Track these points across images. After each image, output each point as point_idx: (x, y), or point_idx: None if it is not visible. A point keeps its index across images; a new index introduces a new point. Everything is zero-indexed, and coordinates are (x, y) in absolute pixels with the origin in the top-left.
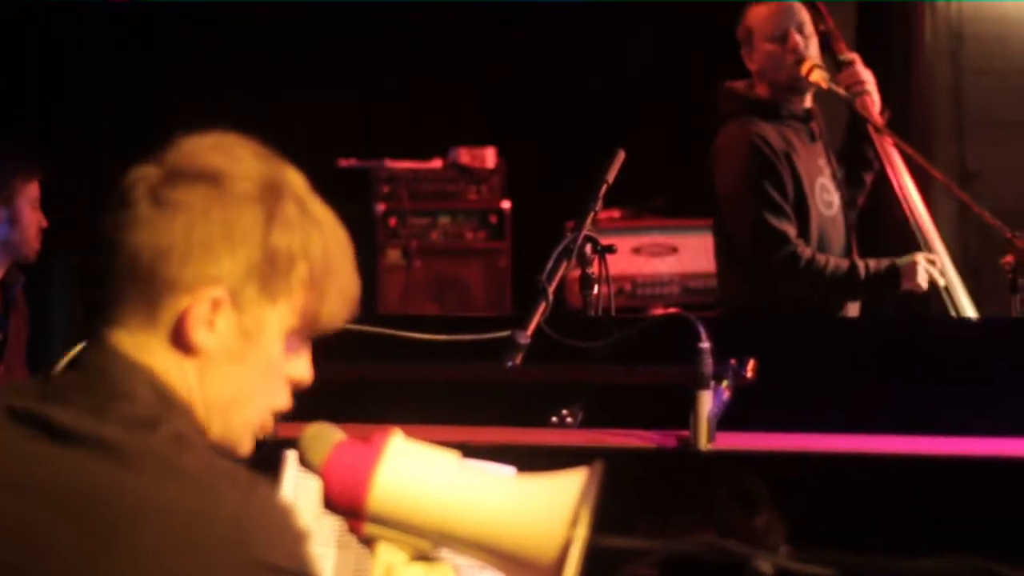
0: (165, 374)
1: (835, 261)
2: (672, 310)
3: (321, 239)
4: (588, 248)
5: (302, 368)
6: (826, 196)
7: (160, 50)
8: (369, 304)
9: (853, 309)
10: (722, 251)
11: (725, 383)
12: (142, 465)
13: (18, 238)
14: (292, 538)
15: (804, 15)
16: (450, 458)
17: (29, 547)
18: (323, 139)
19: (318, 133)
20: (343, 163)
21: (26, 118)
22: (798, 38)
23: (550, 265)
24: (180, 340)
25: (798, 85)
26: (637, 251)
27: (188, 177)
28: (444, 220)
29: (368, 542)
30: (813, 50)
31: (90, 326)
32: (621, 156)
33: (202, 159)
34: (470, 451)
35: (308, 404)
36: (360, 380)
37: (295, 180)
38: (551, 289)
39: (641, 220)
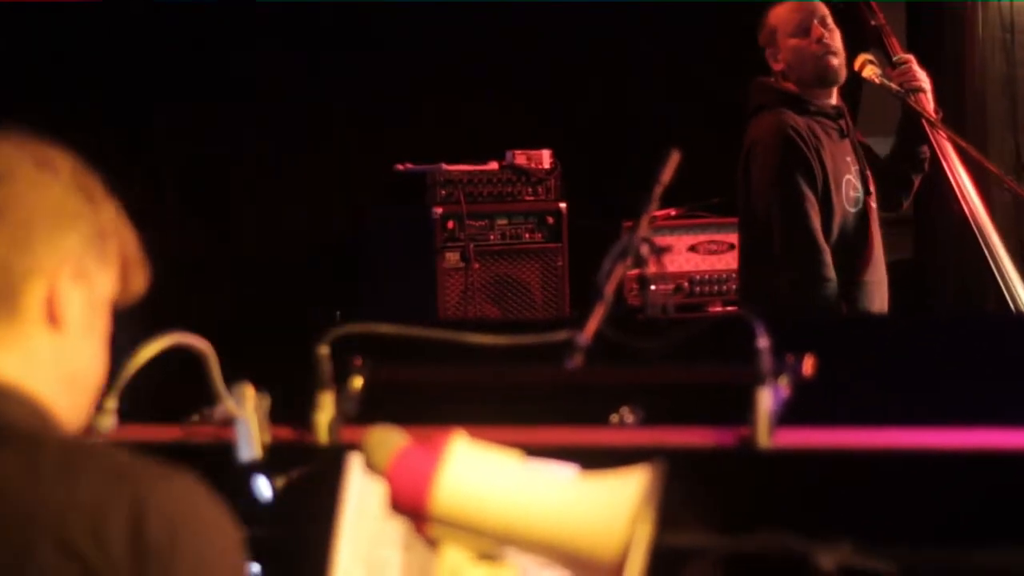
0: (18, 379)
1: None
2: (730, 308)
3: (113, 213)
4: (644, 249)
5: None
6: (852, 193)
7: (211, 53)
8: (429, 307)
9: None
10: (747, 248)
11: (784, 380)
12: (40, 477)
13: None
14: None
15: (825, 9)
16: (512, 459)
17: None
18: (379, 144)
19: (374, 138)
20: (400, 168)
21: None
22: (822, 30)
23: (607, 267)
24: (49, 320)
25: (826, 78)
26: (694, 249)
27: (4, 179)
28: (501, 222)
29: (433, 543)
30: (837, 43)
31: None
32: (676, 157)
33: (10, 159)
34: (531, 452)
35: (370, 408)
36: (422, 384)
37: (83, 164)
38: (609, 290)
39: (698, 218)
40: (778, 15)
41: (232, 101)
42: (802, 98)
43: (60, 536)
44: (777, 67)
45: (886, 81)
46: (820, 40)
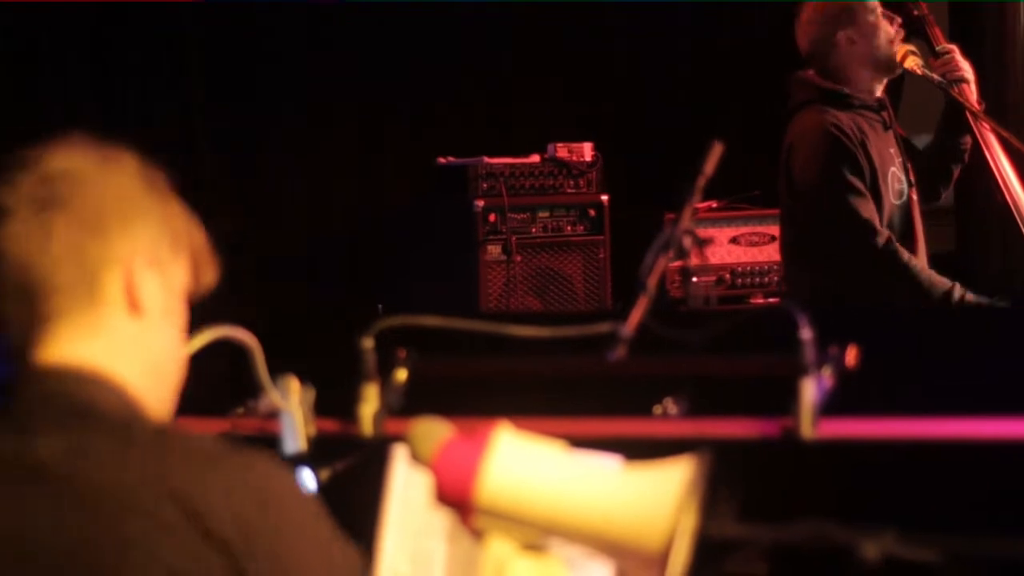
0: (105, 366)
1: (926, 269)
2: (772, 300)
3: (183, 211)
4: (687, 241)
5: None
6: (897, 185)
7: (256, 50)
8: (471, 299)
9: None
10: (791, 245)
11: (827, 371)
12: (80, 444)
13: None
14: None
15: (876, 3)
16: (556, 450)
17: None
18: (422, 138)
19: (417, 132)
20: (442, 161)
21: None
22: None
23: (649, 259)
24: (129, 305)
25: (892, 64)
26: (735, 241)
27: (71, 176)
28: (543, 215)
29: (478, 534)
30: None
31: (15, 354)
32: (719, 149)
33: (79, 159)
34: (575, 443)
35: (415, 400)
36: (465, 376)
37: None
38: (651, 282)
39: (739, 210)
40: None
41: (279, 97)
42: (844, 93)
43: (155, 518)
44: (841, 52)
45: (928, 72)
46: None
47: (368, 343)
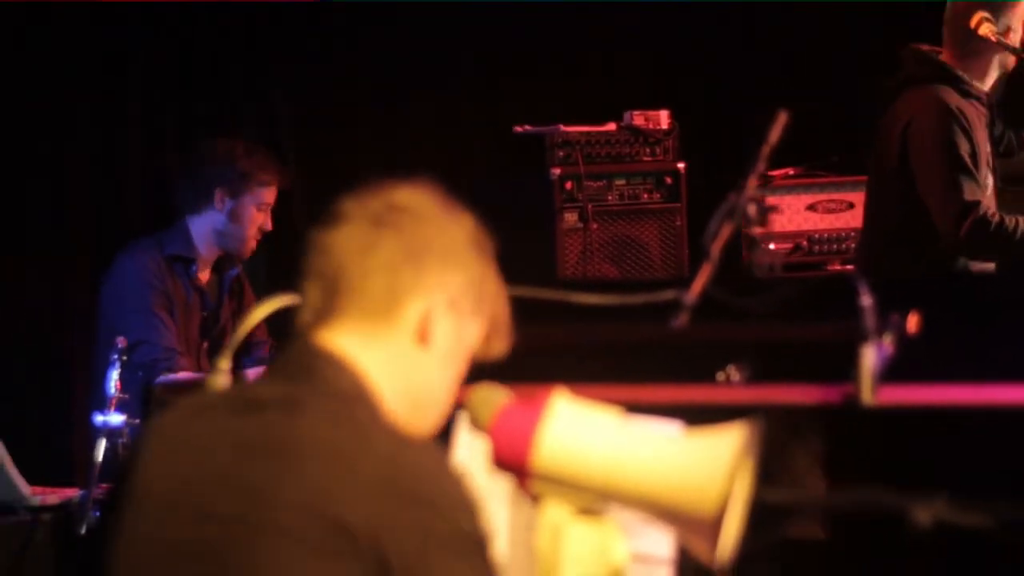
0: (369, 369)
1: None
2: (848, 267)
3: (497, 281)
4: (752, 209)
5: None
6: (988, 180)
7: (330, 29)
8: (548, 267)
9: None
10: (881, 217)
11: (888, 338)
12: (315, 414)
13: (233, 233)
14: (445, 482)
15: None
16: (612, 416)
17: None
18: (499, 107)
19: (495, 101)
20: (518, 130)
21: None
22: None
23: (713, 226)
24: (418, 333)
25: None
26: (812, 208)
27: (413, 210)
28: (619, 182)
29: (535, 499)
30: None
31: (297, 328)
32: (783, 118)
33: (425, 199)
34: (638, 409)
35: (482, 367)
36: (533, 343)
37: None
38: (715, 250)
39: (816, 177)
40: None
41: (355, 70)
42: (962, 77)
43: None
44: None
45: (1002, 39)
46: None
47: None
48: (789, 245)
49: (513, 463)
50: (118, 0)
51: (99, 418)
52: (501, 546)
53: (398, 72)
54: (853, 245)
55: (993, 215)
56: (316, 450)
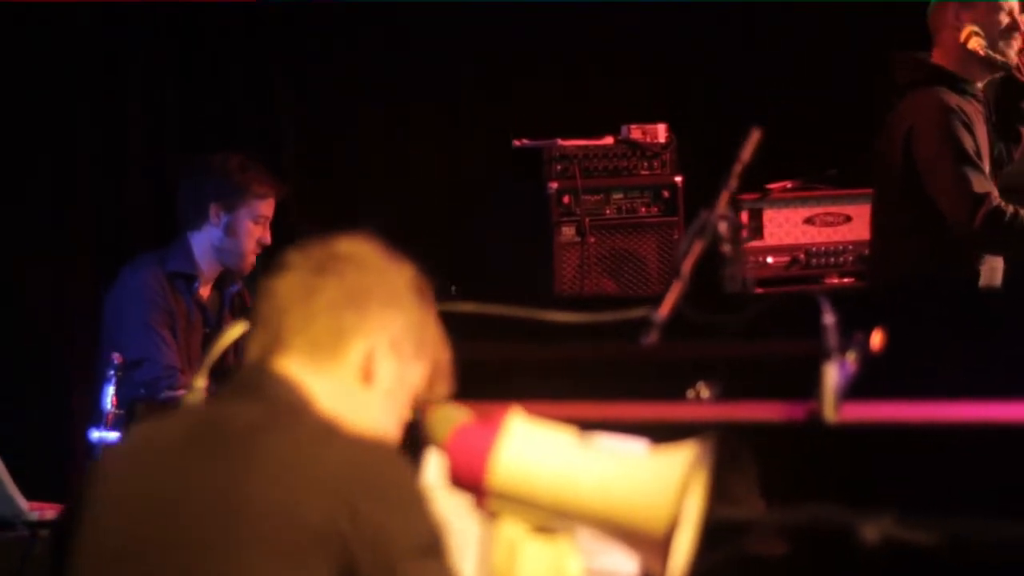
0: (319, 396)
1: None
2: (847, 280)
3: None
4: (723, 226)
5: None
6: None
7: (330, 40)
8: (545, 281)
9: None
10: (890, 223)
11: (851, 355)
12: (273, 422)
13: (231, 248)
14: (403, 479)
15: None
16: (567, 436)
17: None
18: (498, 121)
19: (494, 116)
20: (516, 143)
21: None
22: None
23: (685, 244)
24: (362, 372)
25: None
26: (810, 221)
27: (355, 258)
28: (617, 196)
29: (491, 516)
30: None
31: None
32: (757, 135)
33: (367, 248)
34: (608, 427)
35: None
36: (505, 360)
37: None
38: (686, 268)
39: (813, 191)
40: None
41: (356, 80)
42: (957, 77)
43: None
44: (965, 27)
45: (991, 53)
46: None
47: None
48: (786, 258)
49: (469, 482)
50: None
51: (95, 434)
52: (471, 563)
53: (398, 84)
54: (851, 258)
55: (1006, 206)
56: (277, 457)
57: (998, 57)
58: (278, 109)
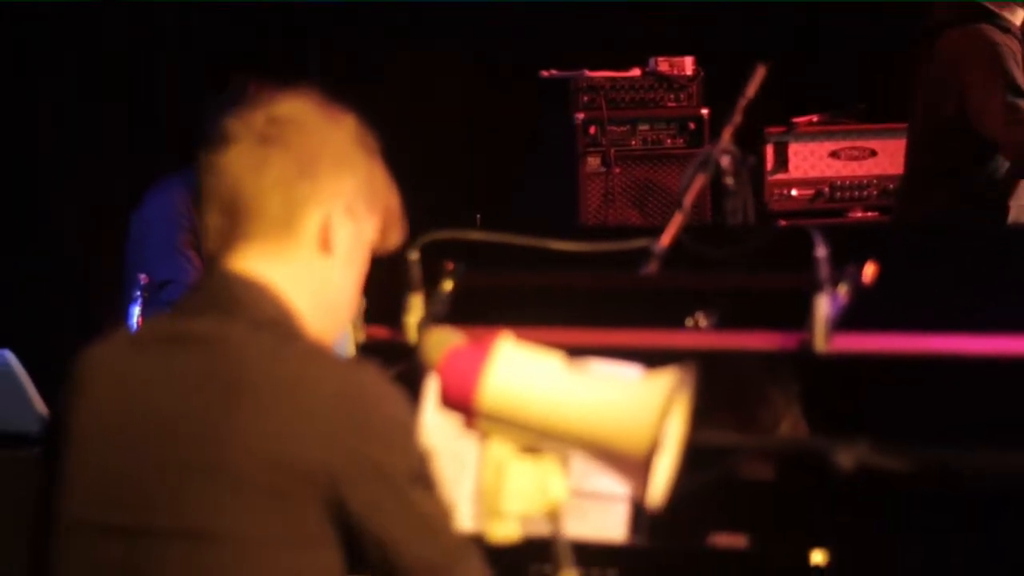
0: (282, 287)
1: None
2: (871, 213)
3: (385, 175)
4: (726, 160)
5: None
6: None
7: None
8: (571, 210)
9: None
10: (924, 158)
11: (843, 287)
12: (253, 350)
13: None
14: (392, 412)
15: None
16: (554, 360)
17: (171, 426)
18: (526, 51)
19: (521, 45)
20: (544, 74)
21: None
22: None
23: (687, 177)
24: (320, 243)
25: None
26: (835, 155)
27: (296, 121)
28: (643, 127)
29: (481, 436)
30: None
31: (207, 255)
32: (761, 72)
33: (306, 108)
34: (604, 353)
35: (461, 310)
36: (510, 287)
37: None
38: (687, 201)
39: (839, 124)
40: None
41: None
42: (998, 14)
43: (265, 401)
44: None
45: None
46: None
47: (414, 255)
48: (811, 191)
49: (459, 402)
50: None
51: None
52: (470, 481)
53: (424, 15)
54: (875, 192)
55: None
56: (262, 390)
57: None
58: (304, 43)
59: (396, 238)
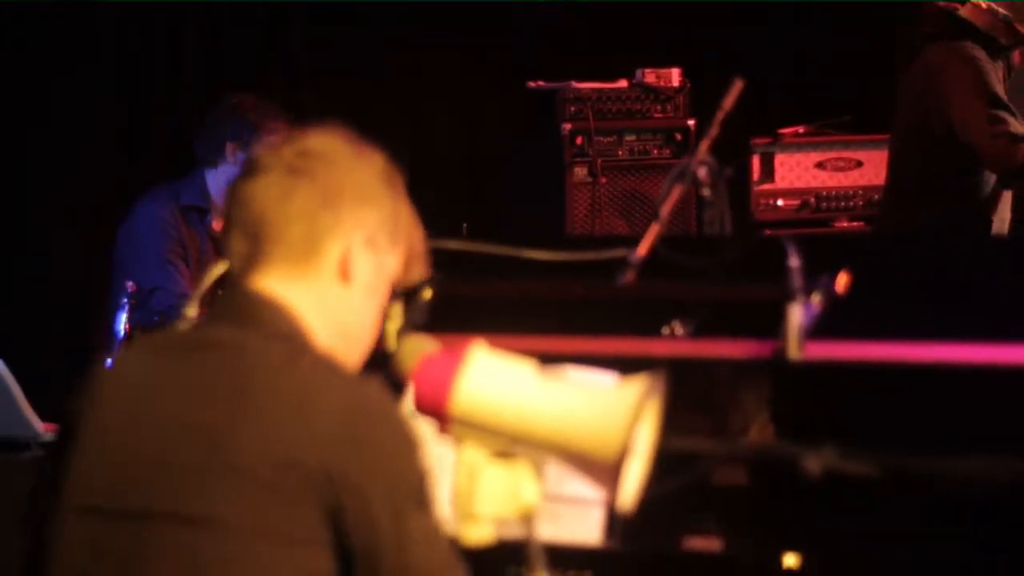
0: (300, 310)
1: None
2: (856, 224)
3: (410, 212)
4: (702, 172)
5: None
6: None
7: None
8: (558, 220)
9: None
10: (906, 172)
11: (816, 296)
12: (265, 358)
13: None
14: (397, 426)
15: None
16: (527, 367)
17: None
18: (514, 63)
19: (509, 57)
20: (532, 85)
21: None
22: None
23: (665, 188)
24: (340, 272)
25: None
26: (821, 166)
27: (325, 155)
28: (630, 138)
29: (454, 442)
30: None
31: (229, 275)
32: (739, 85)
33: (336, 143)
34: (581, 361)
35: (438, 318)
36: (489, 296)
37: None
38: (664, 211)
39: (825, 135)
40: None
41: (376, 26)
42: (982, 31)
43: (271, 410)
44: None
45: (993, 4)
46: None
47: None
48: (797, 202)
49: (432, 408)
50: None
51: (109, 361)
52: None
53: (413, 25)
54: (860, 203)
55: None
56: (270, 394)
57: (1000, 10)
58: (295, 54)
59: (419, 272)
